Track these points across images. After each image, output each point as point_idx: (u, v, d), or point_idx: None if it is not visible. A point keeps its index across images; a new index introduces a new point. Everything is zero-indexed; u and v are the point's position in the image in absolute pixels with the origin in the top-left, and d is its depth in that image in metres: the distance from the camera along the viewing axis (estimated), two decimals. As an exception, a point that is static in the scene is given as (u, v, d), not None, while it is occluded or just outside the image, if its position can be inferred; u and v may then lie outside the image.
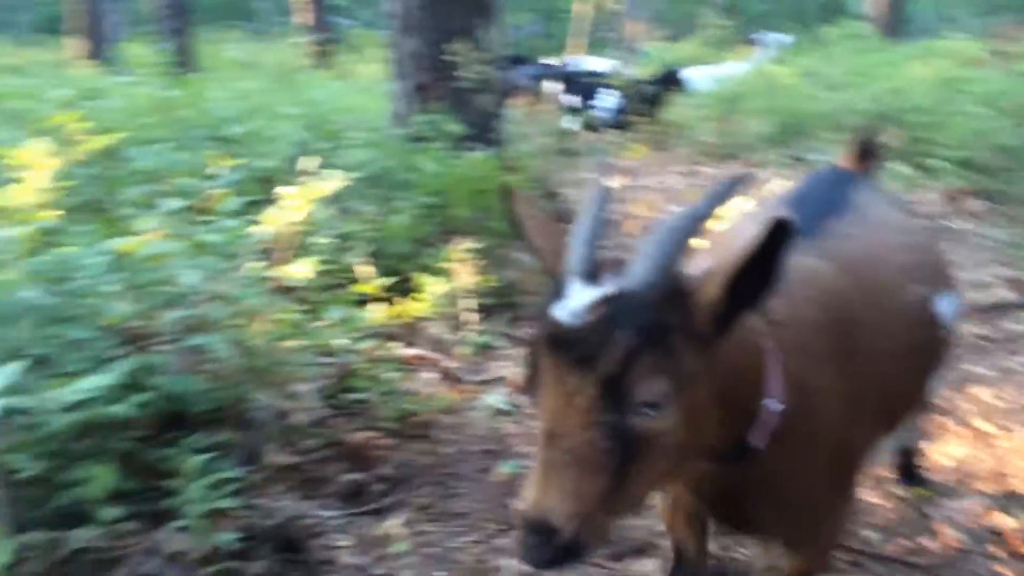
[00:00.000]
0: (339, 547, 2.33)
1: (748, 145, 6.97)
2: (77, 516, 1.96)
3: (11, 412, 1.71)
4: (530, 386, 1.19)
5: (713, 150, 7.10)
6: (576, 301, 1.15)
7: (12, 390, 1.69)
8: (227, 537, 1.93)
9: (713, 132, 7.32)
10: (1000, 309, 4.07)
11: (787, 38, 12.60)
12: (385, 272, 3.66)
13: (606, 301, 1.14)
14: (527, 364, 1.20)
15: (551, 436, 1.12)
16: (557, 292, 1.18)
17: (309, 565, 2.24)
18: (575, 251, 1.21)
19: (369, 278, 3.12)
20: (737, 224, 1.88)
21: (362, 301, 3.14)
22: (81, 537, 1.92)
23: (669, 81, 8.46)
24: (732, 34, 14.42)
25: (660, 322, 1.14)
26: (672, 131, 7.71)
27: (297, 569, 2.24)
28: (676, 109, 8.26)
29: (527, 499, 1.13)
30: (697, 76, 8.89)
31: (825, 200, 1.83)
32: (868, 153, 2.21)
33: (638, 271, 1.17)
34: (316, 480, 2.61)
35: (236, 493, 2.25)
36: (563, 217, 1.79)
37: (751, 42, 12.61)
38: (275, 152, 4.88)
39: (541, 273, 1.29)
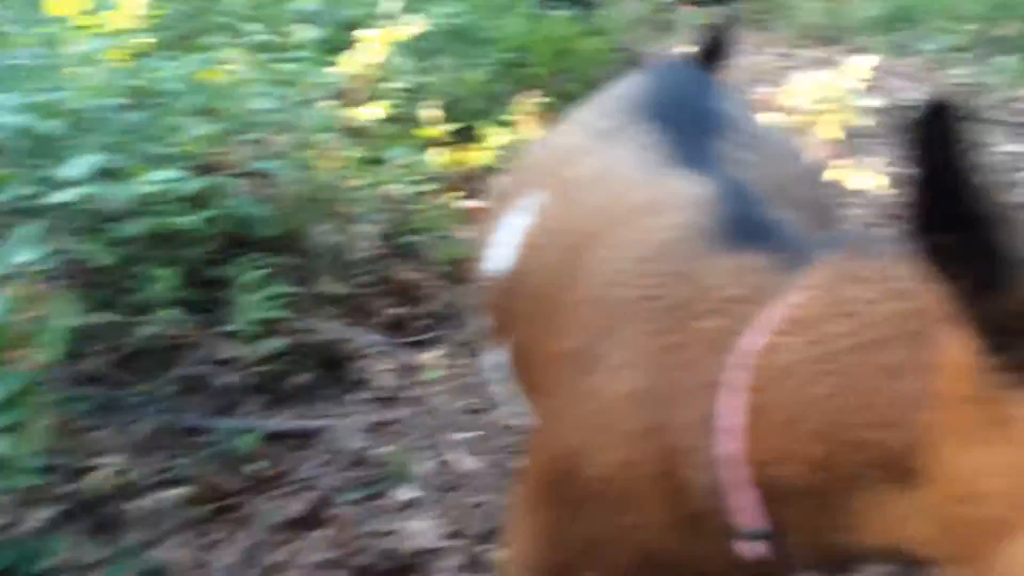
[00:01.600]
0: (376, 371, 2.53)
1: (853, 29, 6.62)
2: (143, 312, 2.19)
3: (88, 199, 1.88)
4: None
5: (815, 31, 6.77)
6: None
7: (90, 179, 1.86)
8: (275, 344, 2.12)
9: (818, 12, 6.96)
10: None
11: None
12: (458, 123, 3.75)
13: None
14: None
15: None
16: None
17: (344, 383, 2.44)
18: None
19: (436, 122, 3.19)
20: (564, 138, 1.51)
21: (426, 146, 3.24)
22: (145, 330, 2.15)
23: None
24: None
25: None
26: (774, 9, 7.35)
27: (334, 384, 2.45)
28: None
29: None
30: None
31: (694, 112, 1.44)
32: (718, 50, 1.82)
33: None
34: (363, 311, 2.79)
35: (286, 309, 2.46)
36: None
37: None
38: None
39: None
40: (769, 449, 0.82)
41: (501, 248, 1.41)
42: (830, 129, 2.92)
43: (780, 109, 3.15)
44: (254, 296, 2.23)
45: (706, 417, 0.88)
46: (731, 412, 0.84)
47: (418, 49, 4.24)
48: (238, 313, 2.15)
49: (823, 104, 2.92)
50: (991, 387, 0.62)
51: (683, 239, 1.05)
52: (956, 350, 0.66)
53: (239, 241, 2.68)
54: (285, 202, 2.64)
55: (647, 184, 1.23)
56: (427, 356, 2.63)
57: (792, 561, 0.88)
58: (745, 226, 1.03)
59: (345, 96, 3.34)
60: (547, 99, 3.57)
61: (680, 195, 1.15)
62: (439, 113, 3.24)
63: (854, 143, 4.04)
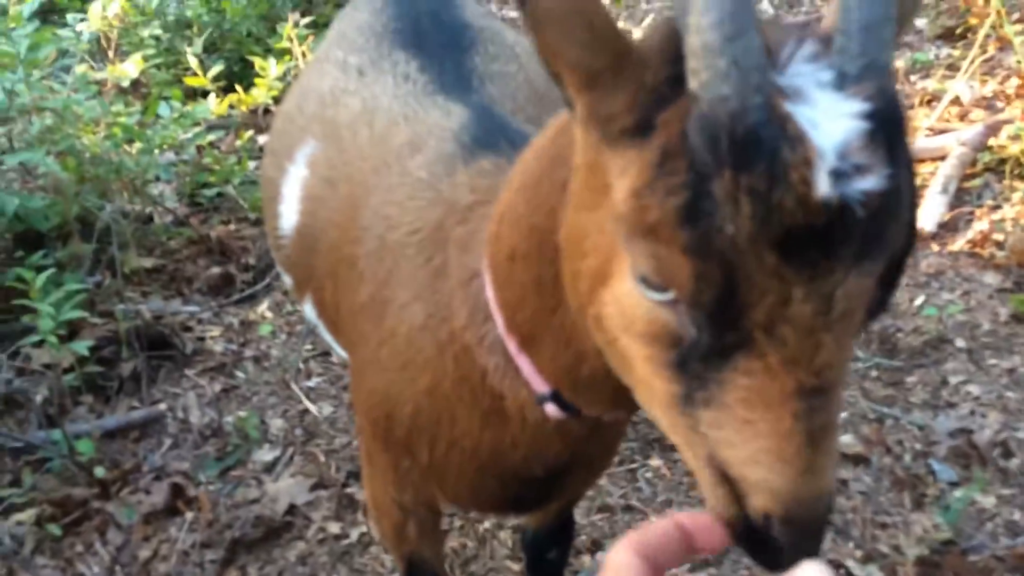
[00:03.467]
0: (209, 337, 2.45)
1: None
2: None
3: None
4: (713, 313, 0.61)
5: None
6: (838, 137, 0.58)
7: None
8: (81, 345, 2.02)
9: None
10: None
11: None
12: (228, 58, 3.54)
13: (883, 126, 0.60)
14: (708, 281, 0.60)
15: (809, 390, 0.61)
16: (770, 123, 0.58)
17: (179, 359, 2.36)
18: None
19: (202, 69, 3.01)
20: (323, 80, 1.45)
21: (204, 93, 3.06)
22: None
23: None
24: None
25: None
26: None
27: (171, 363, 2.36)
28: None
29: (799, 481, 0.62)
30: None
31: (444, 30, 1.41)
32: None
33: (862, 40, 0.60)
34: (182, 278, 2.68)
35: (91, 302, 2.33)
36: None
37: None
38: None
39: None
40: (506, 295, 0.90)
41: (284, 204, 1.38)
42: None
43: None
44: (50, 297, 2.09)
45: (477, 307, 0.96)
46: (489, 291, 0.92)
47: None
48: (40, 320, 2.01)
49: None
50: (591, 151, 0.68)
51: (436, 170, 1.11)
52: (577, 134, 0.72)
53: (34, 237, 2.49)
54: (59, 188, 2.45)
55: (408, 120, 1.23)
56: (258, 310, 2.56)
57: (590, 418, 0.95)
58: (484, 141, 1.10)
59: (97, 56, 3.09)
60: (314, 19, 3.41)
61: (435, 128, 1.18)
62: (197, 61, 3.03)
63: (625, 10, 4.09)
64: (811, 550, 0.63)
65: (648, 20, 4.02)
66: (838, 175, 0.57)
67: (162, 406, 2.22)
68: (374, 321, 1.10)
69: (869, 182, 0.57)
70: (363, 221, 1.15)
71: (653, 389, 0.68)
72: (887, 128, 0.59)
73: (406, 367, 1.05)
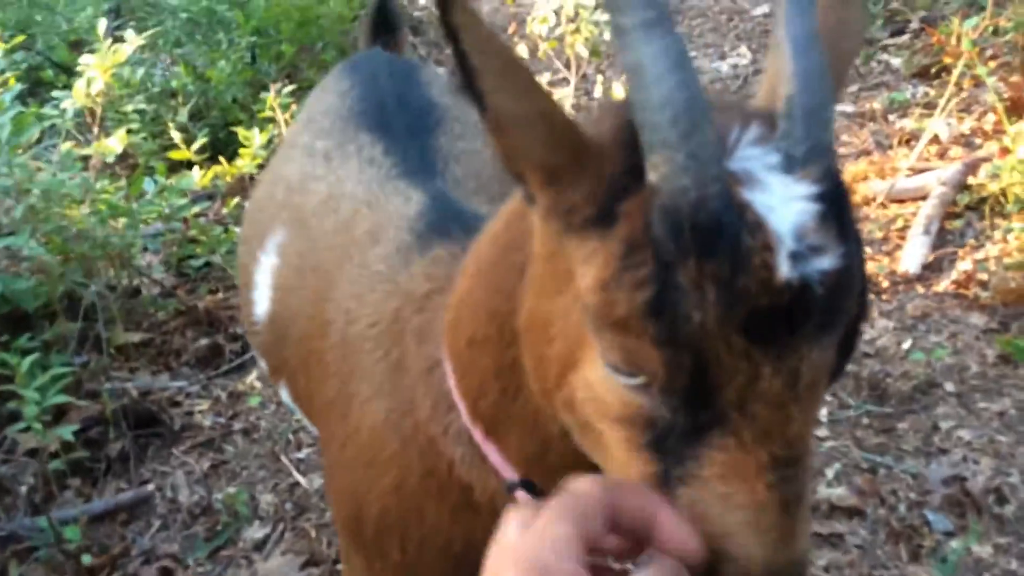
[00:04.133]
0: (198, 411, 2.45)
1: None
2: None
3: None
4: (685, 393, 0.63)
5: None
6: (793, 221, 0.60)
7: None
8: (66, 431, 2.01)
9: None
10: None
11: None
12: (214, 125, 3.58)
13: (832, 206, 0.62)
14: (678, 364, 0.61)
15: (782, 461, 0.63)
16: (725, 207, 0.60)
17: (167, 435, 2.35)
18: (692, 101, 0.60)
19: (186, 141, 3.04)
20: (290, 165, 1.45)
21: (189, 164, 3.09)
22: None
23: None
24: None
25: None
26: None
27: (159, 440, 2.35)
28: None
29: (776, 549, 0.64)
30: None
31: (408, 111, 1.40)
32: (389, 20, 1.74)
33: (806, 124, 0.62)
34: (170, 351, 2.68)
35: (78, 383, 2.32)
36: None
37: None
38: (88, 8, 4.56)
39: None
40: (468, 382, 0.90)
41: (257, 292, 1.38)
42: (579, 48, 2.97)
43: (527, 40, 3.17)
44: (36, 381, 2.08)
45: (440, 397, 0.96)
46: (451, 379, 0.92)
47: (157, 50, 4.00)
48: (25, 406, 2.01)
49: (567, 27, 2.97)
50: (552, 240, 0.69)
51: (393, 262, 1.11)
52: (535, 222, 0.73)
53: (15, 320, 2.49)
54: (45, 268, 2.46)
55: (371, 207, 1.23)
56: (247, 380, 2.56)
57: None
58: (439, 229, 1.10)
59: (84, 129, 3.12)
60: (297, 85, 3.46)
61: (394, 217, 1.18)
62: (181, 134, 3.06)
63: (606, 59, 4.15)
64: None
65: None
66: (797, 257, 0.59)
67: (150, 486, 2.20)
68: (339, 418, 1.10)
69: (825, 261, 0.60)
70: (328, 314, 1.16)
71: (629, 469, 0.68)
72: (836, 207, 0.61)
73: (371, 465, 1.04)
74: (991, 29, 3.25)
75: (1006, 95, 3.15)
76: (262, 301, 1.37)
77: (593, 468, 0.77)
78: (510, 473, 0.92)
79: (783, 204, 0.60)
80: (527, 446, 0.88)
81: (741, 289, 0.58)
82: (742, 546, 0.63)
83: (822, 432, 2.23)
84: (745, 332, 0.59)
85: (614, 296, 0.61)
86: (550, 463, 0.88)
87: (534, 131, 0.66)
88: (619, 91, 2.96)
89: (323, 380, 1.14)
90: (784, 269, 0.58)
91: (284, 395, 1.43)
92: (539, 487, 0.92)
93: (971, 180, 2.87)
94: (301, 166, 1.41)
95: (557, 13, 2.99)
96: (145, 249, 2.92)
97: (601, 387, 0.66)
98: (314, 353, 1.17)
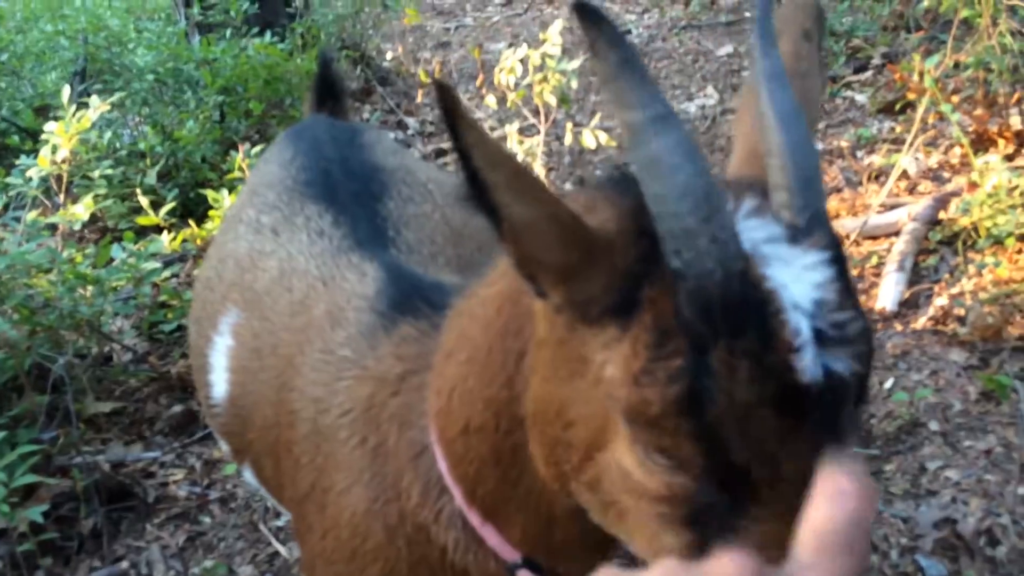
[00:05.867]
0: (172, 481, 2.38)
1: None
2: None
3: None
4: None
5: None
6: (812, 285, 0.61)
7: None
8: (35, 512, 1.94)
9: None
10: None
11: None
12: (184, 185, 3.54)
13: (840, 269, 0.63)
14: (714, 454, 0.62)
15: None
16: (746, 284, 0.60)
17: (141, 509, 2.28)
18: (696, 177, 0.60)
19: (153, 206, 3.00)
20: (238, 243, 1.40)
21: (158, 229, 3.05)
22: None
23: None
24: None
25: None
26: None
27: (133, 513, 2.28)
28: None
29: None
30: None
31: (356, 178, 1.37)
32: (334, 90, 1.72)
33: (804, 194, 0.64)
34: (143, 420, 2.62)
35: (48, 458, 2.26)
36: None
37: None
38: (53, 71, 4.54)
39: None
40: (463, 469, 0.88)
41: (213, 374, 1.34)
42: (547, 96, 2.98)
43: (495, 90, 3.18)
44: (6, 459, 2.02)
45: (429, 483, 0.93)
46: (442, 464, 0.90)
47: (126, 111, 3.98)
48: (-10, 488, 1.94)
49: (535, 76, 2.98)
50: (562, 328, 0.69)
51: (359, 346, 1.07)
52: (539, 309, 0.74)
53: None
54: (12, 343, 2.40)
55: (327, 285, 1.20)
56: (222, 448, 2.49)
57: None
58: (402, 306, 1.07)
59: (52, 194, 3.08)
60: (267, 142, 3.44)
61: (352, 297, 1.15)
62: (147, 200, 3.02)
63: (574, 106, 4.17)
64: None
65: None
66: (819, 325, 0.60)
67: (124, 563, 2.13)
68: (316, 510, 1.06)
69: (850, 326, 0.61)
70: (294, 404, 1.11)
71: (663, 542, 0.67)
72: (842, 270, 0.63)
73: (354, 557, 1.00)
74: (952, 63, 3.30)
75: (971, 128, 3.19)
76: (219, 383, 1.33)
77: (602, 543, 0.76)
78: (510, 554, 0.90)
79: (798, 275, 0.61)
80: (530, 527, 0.87)
81: (772, 364, 0.59)
82: None
83: (809, 476, 2.20)
84: (778, 408, 0.59)
85: (647, 392, 0.61)
86: (554, 541, 0.87)
87: (546, 235, 0.66)
88: (589, 139, 2.96)
89: (294, 472, 1.10)
90: (808, 339, 0.59)
91: (248, 476, 1.38)
92: (543, 565, 0.90)
93: (942, 215, 2.89)
94: (249, 242, 1.37)
95: (524, 63, 2.99)
96: (115, 315, 2.87)
97: (637, 471, 0.66)
98: (282, 443, 1.13)
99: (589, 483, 0.71)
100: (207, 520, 2.27)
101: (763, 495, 0.62)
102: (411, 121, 4.78)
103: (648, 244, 0.63)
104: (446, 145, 4.41)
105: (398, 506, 0.96)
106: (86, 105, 2.91)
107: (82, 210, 2.75)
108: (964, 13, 3.21)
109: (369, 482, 0.98)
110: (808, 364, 0.59)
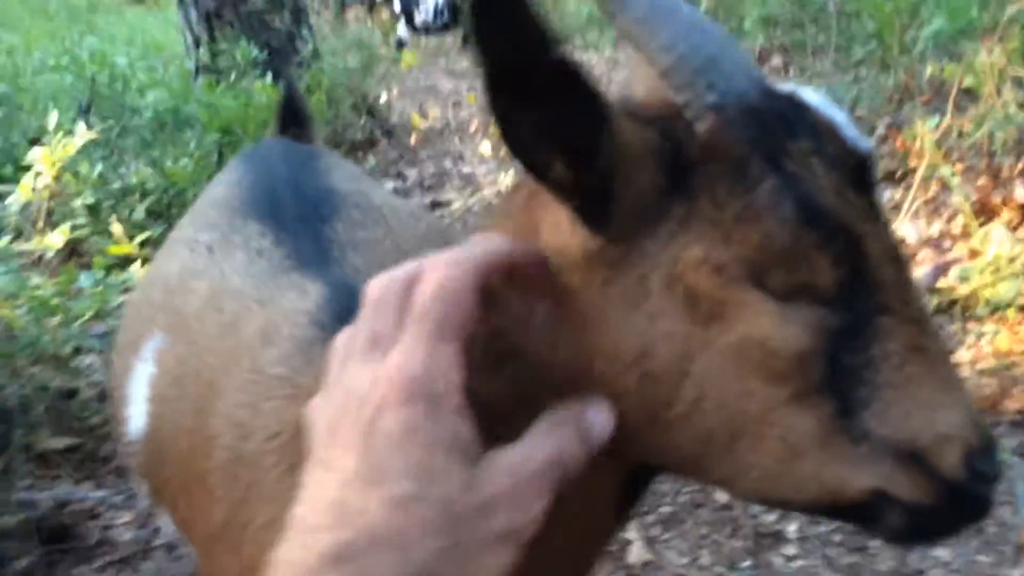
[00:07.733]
0: (116, 525, 2.26)
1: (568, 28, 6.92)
2: None
3: None
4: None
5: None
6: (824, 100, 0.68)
7: None
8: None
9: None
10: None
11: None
12: (173, 223, 3.49)
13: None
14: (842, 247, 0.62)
15: (924, 324, 0.63)
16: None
17: (81, 551, 2.16)
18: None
19: (133, 231, 2.95)
20: (170, 263, 1.31)
21: (131, 260, 2.98)
22: None
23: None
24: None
25: None
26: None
27: (72, 556, 2.16)
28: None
29: (973, 411, 0.63)
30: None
31: (302, 199, 1.30)
32: (298, 116, 1.67)
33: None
34: (98, 458, 2.51)
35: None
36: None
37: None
38: (58, 106, 4.56)
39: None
40: None
41: (132, 406, 1.22)
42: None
43: (490, 136, 3.14)
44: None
45: None
46: None
47: (117, 148, 3.97)
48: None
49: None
50: (610, 259, 0.64)
51: (294, 363, 0.95)
52: (572, 261, 0.66)
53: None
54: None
55: (262, 304, 1.09)
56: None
57: None
58: (347, 320, 0.96)
59: (28, 225, 3.03)
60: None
61: (290, 313, 1.03)
62: (121, 228, 2.96)
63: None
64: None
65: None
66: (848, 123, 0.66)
67: (54, 610, 2.00)
68: (232, 550, 0.92)
69: (865, 141, 0.66)
70: (212, 429, 0.99)
71: (801, 424, 0.61)
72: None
73: None
74: (957, 132, 3.23)
75: (973, 197, 3.11)
76: (137, 416, 1.21)
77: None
78: None
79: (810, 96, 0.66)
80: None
81: (834, 154, 0.62)
82: (951, 423, 0.60)
83: (791, 550, 2.06)
84: (857, 190, 0.62)
85: (761, 226, 0.59)
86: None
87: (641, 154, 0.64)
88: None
89: (206, 506, 0.97)
90: (850, 131, 0.64)
91: (166, 524, 1.26)
92: None
93: (941, 282, 2.79)
94: (182, 262, 1.26)
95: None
96: (83, 351, 2.78)
97: (776, 329, 0.60)
98: (194, 475, 1.01)
99: (687, 413, 0.63)
100: (149, 566, 2.14)
101: (881, 301, 0.61)
102: (411, 172, 4.76)
103: (664, 112, 0.63)
104: (443, 198, 4.38)
105: None
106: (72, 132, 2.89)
107: (58, 239, 2.69)
108: (968, 82, 3.16)
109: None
110: (861, 139, 0.65)
